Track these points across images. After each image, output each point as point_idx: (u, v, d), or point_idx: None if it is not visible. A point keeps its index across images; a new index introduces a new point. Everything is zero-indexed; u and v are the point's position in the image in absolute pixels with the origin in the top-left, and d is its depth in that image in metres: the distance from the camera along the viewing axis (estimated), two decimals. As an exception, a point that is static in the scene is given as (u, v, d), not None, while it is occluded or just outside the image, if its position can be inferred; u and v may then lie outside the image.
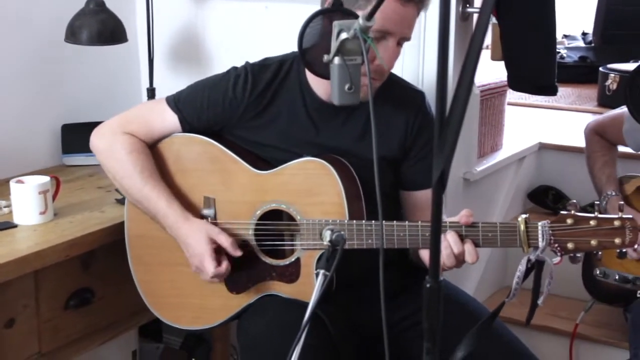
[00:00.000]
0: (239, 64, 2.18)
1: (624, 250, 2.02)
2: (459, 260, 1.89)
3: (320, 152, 2.08)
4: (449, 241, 1.87)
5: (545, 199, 3.51)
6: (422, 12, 2.02)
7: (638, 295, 2.52)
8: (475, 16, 2.79)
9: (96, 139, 2.20)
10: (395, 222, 1.94)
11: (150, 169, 2.13)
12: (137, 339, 3.14)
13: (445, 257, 1.87)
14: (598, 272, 2.61)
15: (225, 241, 2.05)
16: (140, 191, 2.11)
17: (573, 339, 2.86)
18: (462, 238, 1.88)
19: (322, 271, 1.69)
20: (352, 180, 2.03)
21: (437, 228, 1.19)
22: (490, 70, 3.24)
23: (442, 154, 1.11)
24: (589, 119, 2.80)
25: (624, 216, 1.83)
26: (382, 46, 1.97)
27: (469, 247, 1.87)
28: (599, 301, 2.71)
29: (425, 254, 1.97)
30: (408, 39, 2.03)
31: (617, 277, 2.57)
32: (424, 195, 2.17)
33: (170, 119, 2.16)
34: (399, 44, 2.02)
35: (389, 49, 1.98)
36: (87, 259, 2.29)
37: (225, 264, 2.05)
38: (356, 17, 1.65)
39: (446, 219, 1.92)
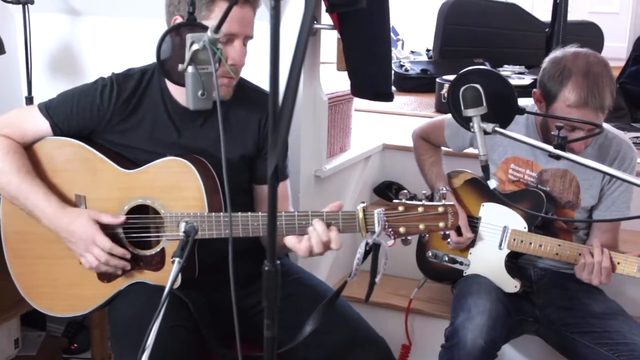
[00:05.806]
0: (109, 74, 2.15)
1: (447, 232, 2.12)
2: (326, 247, 1.91)
3: (183, 152, 2.07)
4: (318, 230, 1.89)
5: (389, 192, 3.54)
6: (256, 10, 2.06)
7: (464, 275, 2.59)
8: (322, 32, 2.82)
9: None
10: (250, 213, 1.94)
11: (26, 168, 2.07)
12: (19, 328, 3.03)
13: (314, 245, 1.89)
14: (430, 254, 2.67)
15: (106, 217, 2.02)
16: (17, 187, 2.05)
17: (408, 313, 2.91)
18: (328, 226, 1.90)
19: (176, 259, 1.71)
20: (210, 177, 2.02)
21: (272, 218, 1.19)
22: (338, 81, 3.25)
23: (276, 149, 1.11)
24: (426, 123, 2.84)
25: (447, 203, 1.90)
26: (231, 48, 2.01)
27: (334, 235, 1.90)
28: (431, 279, 2.77)
29: (282, 241, 1.97)
30: (251, 37, 2.07)
31: (446, 259, 2.63)
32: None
33: (42, 125, 2.12)
34: (245, 44, 2.05)
35: (237, 48, 2.02)
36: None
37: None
38: (206, 29, 1.64)
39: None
